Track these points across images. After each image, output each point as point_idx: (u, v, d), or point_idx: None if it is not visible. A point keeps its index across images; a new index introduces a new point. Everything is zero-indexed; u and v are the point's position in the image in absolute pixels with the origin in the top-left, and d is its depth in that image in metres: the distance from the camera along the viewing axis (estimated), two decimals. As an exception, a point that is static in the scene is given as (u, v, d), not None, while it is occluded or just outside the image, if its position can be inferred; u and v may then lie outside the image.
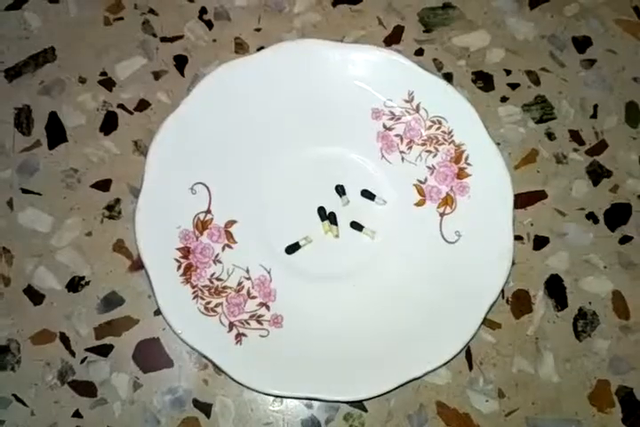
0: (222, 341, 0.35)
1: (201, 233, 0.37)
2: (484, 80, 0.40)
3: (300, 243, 0.37)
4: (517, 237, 0.37)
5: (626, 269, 0.37)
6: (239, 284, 0.36)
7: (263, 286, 0.36)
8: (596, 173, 0.39)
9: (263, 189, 0.38)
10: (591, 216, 0.38)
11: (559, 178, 0.38)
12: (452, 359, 0.33)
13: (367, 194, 0.38)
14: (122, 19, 0.40)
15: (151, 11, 0.40)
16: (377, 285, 0.36)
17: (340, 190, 0.38)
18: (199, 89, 0.36)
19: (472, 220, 0.36)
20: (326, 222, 0.37)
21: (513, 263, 0.35)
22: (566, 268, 0.37)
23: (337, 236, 0.37)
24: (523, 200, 0.38)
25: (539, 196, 0.38)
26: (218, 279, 0.36)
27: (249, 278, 0.36)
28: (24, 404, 0.35)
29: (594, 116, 0.39)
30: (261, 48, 0.39)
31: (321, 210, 0.37)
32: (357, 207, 0.38)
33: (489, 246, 0.35)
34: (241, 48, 0.40)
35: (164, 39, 0.40)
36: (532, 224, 0.38)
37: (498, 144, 0.35)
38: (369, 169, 0.38)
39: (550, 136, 0.39)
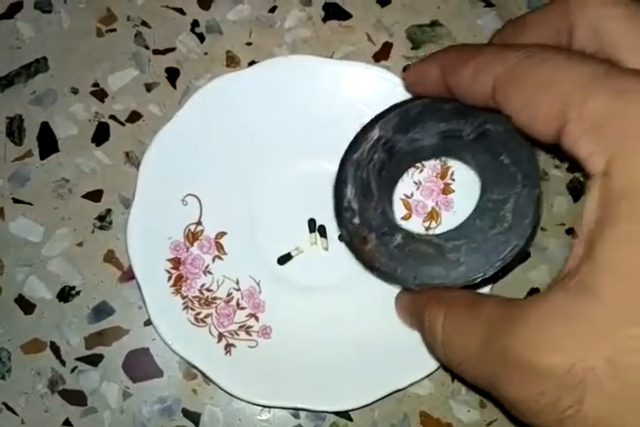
0: (212, 351, 0.35)
1: (191, 244, 0.37)
2: (469, 97, 0.41)
3: (292, 253, 0.38)
4: (500, 251, 0.38)
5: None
6: (229, 295, 0.37)
7: (252, 298, 0.37)
8: (577, 190, 0.40)
9: (254, 202, 0.38)
10: (571, 231, 0.39)
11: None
12: (435, 371, 0.34)
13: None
14: (114, 30, 0.41)
15: (144, 23, 0.41)
16: (364, 297, 0.37)
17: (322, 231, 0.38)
18: (192, 102, 0.37)
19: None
20: (314, 234, 0.38)
21: (495, 277, 0.36)
22: (547, 281, 0.38)
23: (326, 248, 0.38)
24: (505, 215, 0.39)
25: (521, 211, 0.39)
26: (208, 290, 0.37)
27: (238, 290, 0.37)
28: (14, 412, 0.36)
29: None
30: (253, 62, 0.40)
31: (311, 222, 0.38)
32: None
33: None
34: (232, 61, 0.41)
35: (156, 51, 0.41)
36: (514, 239, 0.39)
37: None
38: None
39: (533, 153, 0.40)
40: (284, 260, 0.38)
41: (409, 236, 0.31)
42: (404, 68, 0.32)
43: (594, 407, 0.20)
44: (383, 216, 0.31)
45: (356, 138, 0.32)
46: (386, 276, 0.31)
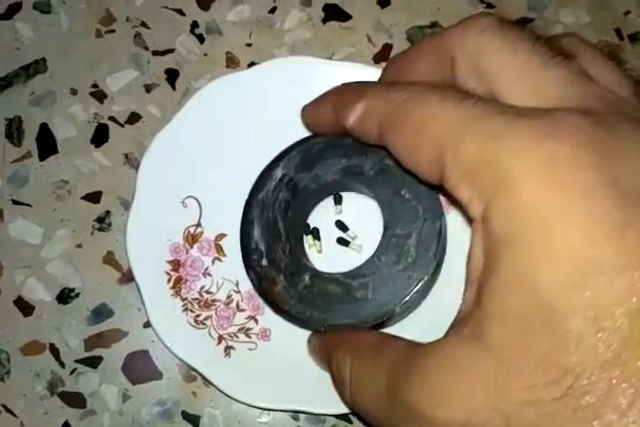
0: (211, 353, 0.35)
1: (191, 246, 0.37)
2: (469, 98, 0.41)
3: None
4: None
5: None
6: (228, 297, 0.37)
7: (252, 300, 0.37)
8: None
9: (253, 204, 0.38)
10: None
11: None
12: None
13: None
14: (113, 31, 0.41)
15: (143, 24, 0.41)
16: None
17: (338, 199, 0.38)
18: (191, 103, 0.37)
19: (457, 236, 0.37)
20: (309, 237, 0.38)
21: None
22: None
23: (320, 251, 0.38)
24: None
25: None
26: (207, 292, 0.37)
27: (238, 292, 0.37)
28: (13, 414, 0.36)
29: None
30: (252, 63, 0.40)
31: (306, 226, 0.38)
32: (344, 220, 0.38)
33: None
34: (232, 63, 0.41)
35: (155, 52, 0.40)
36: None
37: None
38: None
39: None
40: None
41: (317, 275, 0.30)
42: (303, 108, 0.31)
43: None
44: (291, 256, 0.31)
45: (260, 177, 0.32)
46: (295, 319, 0.30)
